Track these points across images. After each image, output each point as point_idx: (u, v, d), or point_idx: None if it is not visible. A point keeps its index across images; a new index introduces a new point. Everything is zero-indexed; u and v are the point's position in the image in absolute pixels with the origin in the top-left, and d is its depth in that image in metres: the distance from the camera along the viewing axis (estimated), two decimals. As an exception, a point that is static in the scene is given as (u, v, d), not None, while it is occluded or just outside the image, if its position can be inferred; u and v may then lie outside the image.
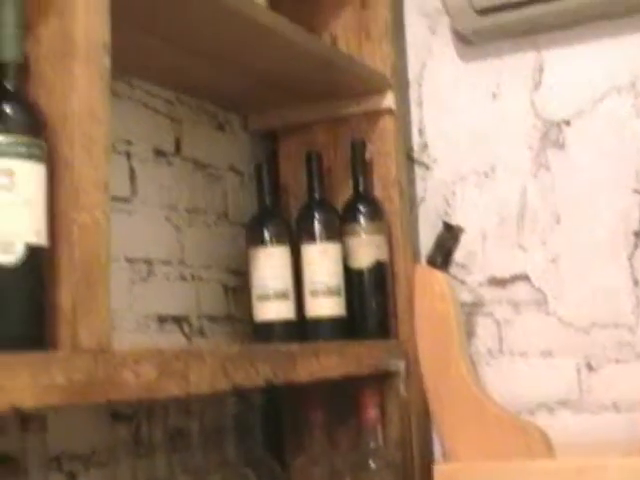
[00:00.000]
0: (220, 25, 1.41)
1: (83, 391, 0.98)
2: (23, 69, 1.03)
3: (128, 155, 1.54)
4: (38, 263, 0.99)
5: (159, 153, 1.64)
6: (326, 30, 1.88)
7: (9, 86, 1.01)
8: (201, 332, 1.69)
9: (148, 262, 1.57)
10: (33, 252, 0.98)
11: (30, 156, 0.98)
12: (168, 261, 1.62)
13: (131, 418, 1.45)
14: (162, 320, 1.60)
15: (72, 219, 1.01)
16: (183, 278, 1.66)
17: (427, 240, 1.92)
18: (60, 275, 1.01)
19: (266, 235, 1.67)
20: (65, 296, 1.00)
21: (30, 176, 0.98)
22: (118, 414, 1.43)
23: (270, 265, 1.65)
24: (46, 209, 1.00)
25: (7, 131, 0.98)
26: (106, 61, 1.06)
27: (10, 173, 0.97)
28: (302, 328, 1.68)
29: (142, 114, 1.60)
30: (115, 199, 1.40)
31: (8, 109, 1.00)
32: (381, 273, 1.75)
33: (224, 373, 1.20)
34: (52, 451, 1.32)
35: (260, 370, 1.29)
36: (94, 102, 1.04)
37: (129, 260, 1.51)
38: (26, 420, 1.21)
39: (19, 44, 1.02)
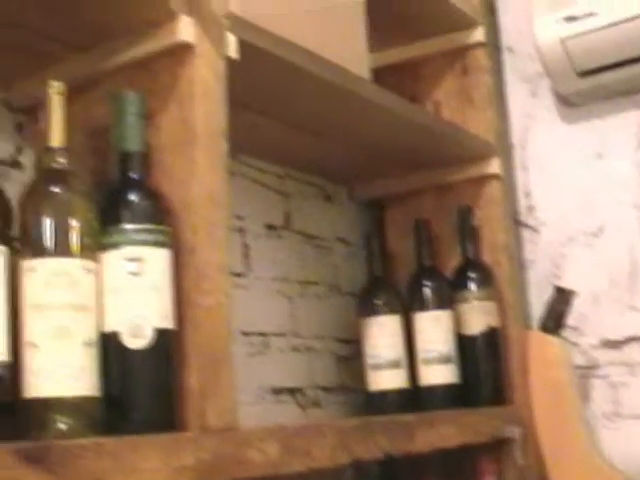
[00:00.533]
0: (326, 101, 1.43)
1: (211, 470, 0.99)
2: (146, 158, 1.07)
3: (241, 231, 1.58)
4: (166, 346, 1.02)
5: (270, 227, 1.67)
6: (429, 98, 1.89)
7: (133, 175, 1.06)
8: (315, 403, 1.70)
9: (263, 335, 1.59)
10: (161, 336, 1.01)
11: (156, 243, 1.02)
12: (282, 333, 1.64)
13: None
14: (277, 392, 1.61)
15: (196, 302, 1.03)
16: (296, 349, 1.67)
17: (537, 303, 1.90)
18: (187, 357, 1.03)
19: (377, 304, 1.68)
20: (192, 377, 1.02)
21: (157, 262, 1.02)
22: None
23: (382, 334, 1.66)
24: (172, 293, 1.02)
25: (134, 220, 1.02)
26: (224, 146, 1.10)
27: (139, 260, 1.00)
28: (416, 396, 1.68)
29: (253, 190, 1.63)
30: (231, 275, 1.43)
31: (134, 198, 1.04)
32: (493, 339, 1.74)
33: (344, 447, 1.21)
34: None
35: (379, 442, 1.29)
36: (214, 187, 1.07)
37: (245, 334, 1.54)
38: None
39: (142, 134, 1.06)
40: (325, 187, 1.83)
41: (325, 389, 1.72)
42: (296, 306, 1.69)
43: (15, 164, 1.24)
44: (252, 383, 1.54)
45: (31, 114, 1.24)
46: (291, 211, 1.72)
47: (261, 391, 1.57)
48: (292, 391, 1.64)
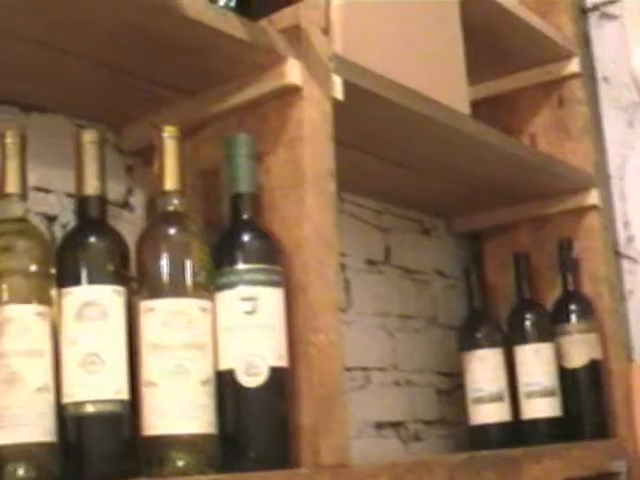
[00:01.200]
0: (427, 137, 1.44)
1: (326, 507, 1.00)
2: (257, 199, 1.09)
3: (342, 267, 1.59)
4: (280, 384, 1.03)
5: (370, 263, 1.67)
6: (524, 130, 1.89)
7: (245, 216, 1.07)
8: (417, 437, 1.70)
9: (365, 370, 1.60)
10: (276, 373, 1.02)
11: (270, 282, 1.04)
12: (383, 368, 1.64)
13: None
14: (379, 426, 1.61)
15: (309, 341, 1.04)
16: (397, 384, 1.67)
17: (638, 334, 1.87)
18: (300, 394, 1.04)
19: (478, 338, 1.68)
20: (306, 415, 1.03)
21: (270, 301, 1.03)
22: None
23: (484, 368, 1.65)
24: (285, 331, 1.04)
25: (248, 260, 1.04)
26: (332, 186, 1.11)
27: (253, 299, 1.02)
28: (518, 430, 1.66)
29: (353, 226, 1.65)
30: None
31: (247, 239, 1.06)
32: (596, 372, 1.71)
33: (453, 483, 1.20)
34: None
35: (486, 477, 1.28)
36: (324, 227, 1.08)
37: (348, 369, 1.54)
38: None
39: (253, 176, 1.08)
40: (423, 221, 1.84)
41: (426, 423, 1.72)
42: (396, 340, 1.69)
43: (125, 205, 1.28)
44: (354, 418, 1.54)
45: (141, 156, 1.28)
46: (390, 246, 1.73)
47: (363, 425, 1.57)
48: (394, 425, 1.64)
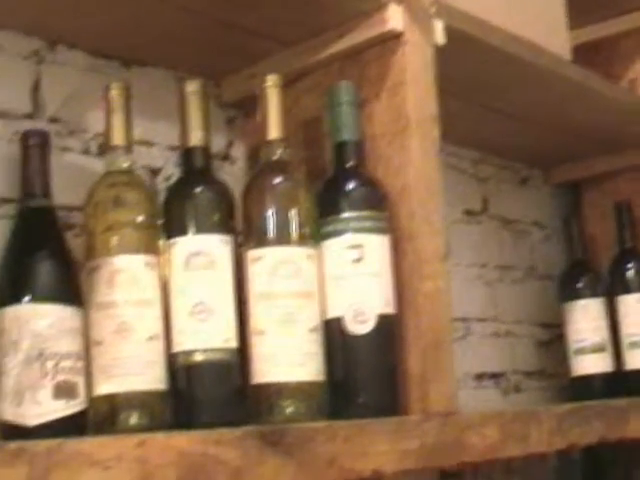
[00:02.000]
0: (527, 83, 1.41)
1: (434, 454, 0.99)
2: (361, 146, 1.07)
3: (441, 218, 1.56)
4: (388, 331, 1.02)
5: (468, 213, 1.65)
6: (624, 76, 1.83)
7: (350, 164, 1.06)
8: (516, 388, 1.67)
9: (464, 321, 1.58)
10: (383, 321, 1.01)
11: (376, 230, 1.02)
12: (483, 319, 1.62)
13: (458, 477, 1.45)
14: (479, 377, 1.60)
15: (416, 288, 1.03)
16: (497, 335, 1.65)
17: None
18: (408, 342, 1.03)
19: (580, 288, 1.65)
20: (414, 362, 1.02)
21: (377, 248, 1.02)
22: (446, 474, 1.43)
23: (585, 318, 1.62)
24: (392, 279, 1.03)
25: (353, 207, 1.02)
26: (436, 132, 1.09)
27: (360, 247, 1.01)
28: (621, 381, 1.63)
29: (450, 176, 1.62)
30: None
31: (352, 186, 1.04)
32: (700, 321, 1.67)
33: (560, 432, 1.18)
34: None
35: (594, 427, 1.25)
36: (428, 173, 1.07)
37: (448, 320, 1.53)
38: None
39: (356, 123, 1.07)
40: (521, 171, 1.80)
41: (526, 374, 1.70)
42: (495, 291, 1.67)
43: (226, 158, 1.27)
44: (456, 369, 1.52)
45: (241, 108, 1.27)
46: (488, 196, 1.70)
47: (463, 376, 1.55)
48: (494, 376, 1.62)
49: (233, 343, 0.96)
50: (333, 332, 1.01)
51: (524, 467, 1.53)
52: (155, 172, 1.18)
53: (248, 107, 1.22)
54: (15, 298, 0.90)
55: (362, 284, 1.01)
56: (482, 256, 1.65)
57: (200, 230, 0.97)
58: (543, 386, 1.73)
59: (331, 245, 1.02)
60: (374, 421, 0.93)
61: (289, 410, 0.96)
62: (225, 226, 0.99)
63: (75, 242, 1.01)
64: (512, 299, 1.70)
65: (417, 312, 1.02)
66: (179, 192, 1.01)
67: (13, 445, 0.66)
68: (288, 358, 0.96)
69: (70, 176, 1.07)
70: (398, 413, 1.01)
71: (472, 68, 1.30)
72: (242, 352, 0.98)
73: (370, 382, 1.00)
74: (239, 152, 1.28)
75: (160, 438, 0.75)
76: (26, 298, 0.91)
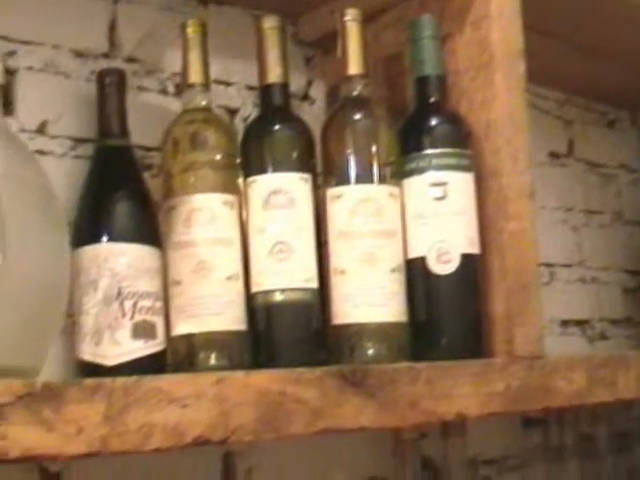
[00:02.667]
0: (614, 20, 1.34)
1: (519, 398, 0.96)
2: (443, 81, 1.04)
3: (525, 160, 1.52)
4: (472, 272, 0.99)
5: (553, 156, 1.60)
6: None
7: (432, 100, 1.03)
8: (602, 335, 1.63)
9: (549, 266, 1.53)
10: (467, 261, 0.98)
11: (460, 167, 0.99)
12: (568, 264, 1.58)
13: (542, 424, 1.42)
14: (564, 324, 1.55)
15: (501, 227, 0.99)
16: (583, 281, 1.61)
17: None
18: (492, 283, 1.00)
19: (670, 233, 1.58)
20: (499, 304, 0.99)
21: (461, 186, 0.99)
22: (530, 420, 1.40)
23: (675, 264, 1.57)
24: (476, 218, 0.99)
25: (436, 144, 0.99)
26: (522, 67, 1.04)
27: (443, 184, 0.98)
28: None
29: (535, 117, 1.56)
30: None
31: (435, 122, 1.01)
32: None
33: (649, 378, 1.14)
34: (468, 455, 1.32)
35: (684, 375, 1.20)
36: (514, 109, 1.02)
37: (532, 264, 1.48)
38: (447, 426, 1.22)
39: (439, 58, 1.03)
40: (607, 113, 1.74)
41: (612, 321, 1.65)
42: (581, 236, 1.62)
43: (305, 97, 1.24)
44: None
45: (319, 46, 1.24)
46: (573, 138, 1.64)
47: (549, 322, 1.51)
48: (579, 323, 1.58)
49: (313, 283, 0.94)
50: (415, 272, 0.98)
51: (610, 415, 1.49)
52: (233, 112, 1.15)
53: (326, 45, 1.19)
54: (93, 237, 0.90)
55: (445, 223, 0.98)
56: (567, 200, 1.60)
57: (279, 168, 0.95)
58: (629, 334, 1.68)
59: (413, 183, 0.99)
60: (457, 363, 0.90)
61: (370, 352, 0.94)
62: (304, 164, 0.96)
63: (153, 183, 1.00)
64: (598, 245, 1.64)
65: (502, 252, 0.99)
66: (258, 130, 0.98)
67: (90, 381, 0.65)
68: (369, 298, 0.94)
69: (147, 116, 1.05)
70: (482, 356, 0.98)
71: (558, 2, 1.24)
72: (322, 292, 0.96)
73: (453, 324, 0.98)
74: (318, 92, 1.25)
75: (239, 376, 0.73)
76: (104, 237, 0.90)
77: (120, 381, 0.67)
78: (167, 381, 0.70)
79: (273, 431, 0.74)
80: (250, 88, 1.16)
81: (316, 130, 1.00)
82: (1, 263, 0.67)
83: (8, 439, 0.60)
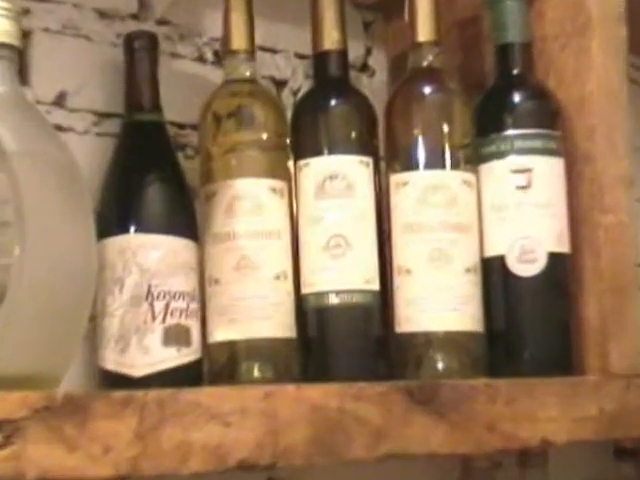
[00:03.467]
0: None
1: (614, 424, 0.95)
2: (530, 50, 1.04)
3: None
4: (561, 273, 0.99)
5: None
6: None
7: (516, 71, 1.03)
8: None
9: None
10: (555, 261, 0.98)
11: (547, 151, 0.99)
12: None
13: (636, 454, 1.41)
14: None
15: (596, 222, 0.99)
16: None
17: None
18: (584, 287, 1.00)
19: None
20: (591, 312, 0.99)
21: (548, 173, 0.99)
22: (623, 450, 1.39)
23: None
24: (566, 210, 0.99)
25: (520, 124, 0.99)
26: (623, 32, 1.04)
27: (527, 171, 0.98)
28: None
29: (633, 93, 1.54)
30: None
31: (518, 98, 1.01)
32: None
33: None
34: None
35: None
36: (612, 82, 1.02)
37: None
38: (527, 454, 1.21)
39: (525, 22, 1.03)
40: None
41: None
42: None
43: (364, 68, 1.25)
44: None
45: (380, 10, 1.25)
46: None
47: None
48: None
49: (374, 284, 0.95)
50: (493, 273, 0.98)
51: None
52: (280, 84, 1.16)
53: (389, 8, 1.20)
54: (120, 227, 0.91)
55: (529, 216, 0.98)
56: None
57: (336, 149, 0.96)
58: None
59: (492, 169, 0.99)
60: (543, 381, 0.90)
61: (440, 365, 0.94)
62: (365, 145, 0.97)
63: (188, 165, 1.01)
64: None
65: (596, 251, 0.99)
66: (311, 104, 0.99)
67: (120, 394, 0.66)
68: (439, 303, 0.94)
69: (182, 87, 1.06)
70: (572, 373, 0.98)
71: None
72: (384, 295, 0.96)
73: (538, 334, 0.98)
74: (379, 62, 1.25)
75: (290, 390, 0.73)
76: (132, 227, 0.91)
77: (154, 394, 0.67)
78: (207, 394, 0.70)
79: (329, 454, 0.74)
80: (300, 56, 1.16)
81: (377, 107, 1.01)
82: (18, 255, 0.68)
83: (23, 459, 0.61)
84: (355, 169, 0.95)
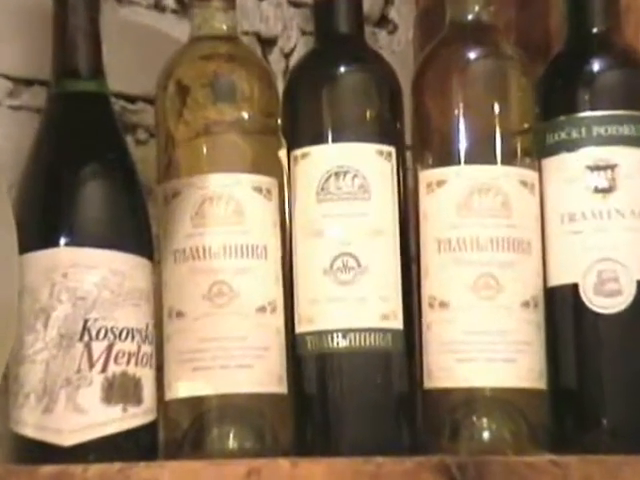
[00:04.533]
0: None
1: None
2: (614, 4, 1.05)
3: None
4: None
5: None
6: None
7: (595, 30, 1.04)
8: None
9: None
10: (643, 293, 0.99)
11: (637, 140, 1.00)
12: None
13: None
14: None
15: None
16: None
17: None
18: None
19: None
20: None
21: (638, 172, 1.00)
22: None
23: None
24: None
25: (599, 103, 1.01)
26: None
27: (609, 168, 0.99)
28: None
29: None
30: None
31: (598, 67, 1.03)
32: None
33: None
34: None
35: None
36: None
37: None
38: None
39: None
40: None
41: None
42: None
43: (383, 22, 1.26)
44: None
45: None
46: None
47: None
48: None
49: (396, 321, 0.96)
50: (562, 309, 1.00)
51: None
52: (268, 43, 1.17)
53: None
54: (45, 239, 0.91)
55: (613, 230, 0.99)
56: None
57: (345, 135, 0.97)
58: None
59: (561, 164, 1.00)
60: (628, 459, 0.91)
61: (487, 434, 0.95)
62: (386, 130, 0.98)
63: (141, 153, 1.02)
64: None
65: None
66: (311, 72, 1.00)
67: (49, 469, 0.66)
68: (486, 348, 0.95)
69: (133, 46, 1.07)
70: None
71: None
72: (410, 336, 0.98)
73: (622, 394, 0.99)
74: (402, 14, 1.26)
75: (283, 466, 0.75)
76: (63, 239, 0.91)
77: (96, 469, 0.68)
78: (170, 471, 0.71)
79: None
80: (295, 4, 1.18)
81: (401, 75, 1.02)
82: None
83: None
84: (371, 162, 0.97)
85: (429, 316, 0.97)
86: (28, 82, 1.03)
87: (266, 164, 0.97)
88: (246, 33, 1.14)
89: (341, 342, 0.95)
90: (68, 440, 0.88)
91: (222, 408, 0.94)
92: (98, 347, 0.90)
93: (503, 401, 0.96)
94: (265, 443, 0.93)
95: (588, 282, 0.99)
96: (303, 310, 0.96)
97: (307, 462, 0.76)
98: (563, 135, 1.00)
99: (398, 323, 0.96)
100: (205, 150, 0.96)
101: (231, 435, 0.93)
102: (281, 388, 0.95)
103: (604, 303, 0.99)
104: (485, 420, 0.96)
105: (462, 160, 0.98)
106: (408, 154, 1.01)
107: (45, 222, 0.93)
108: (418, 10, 1.25)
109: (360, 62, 1.00)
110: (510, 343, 0.96)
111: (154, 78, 0.99)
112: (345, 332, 0.95)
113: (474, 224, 0.96)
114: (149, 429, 0.93)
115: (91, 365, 0.90)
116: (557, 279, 1.00)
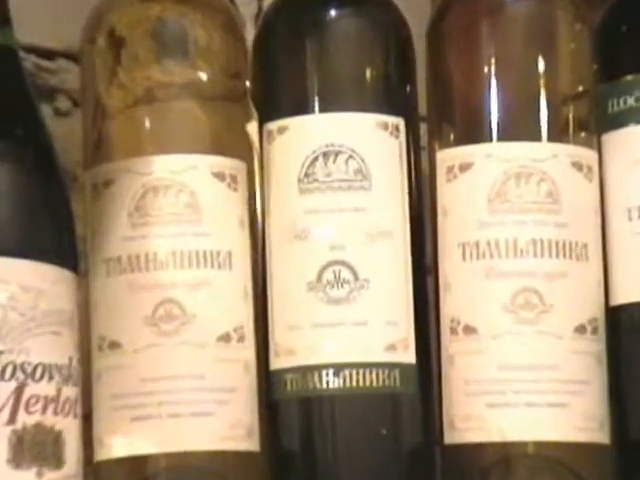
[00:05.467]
0: None
1: None
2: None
3: None
4: None
5: None
6: None
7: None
8: None
9: None
10: None
11: None
12: None
13: None
14: None
15: None
16: None
17: None
18: None
19: None
20: None
21: None
22: None
23: None
24: None
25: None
26: None
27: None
28: None
29: None
30: None
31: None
32: None
33: None
34: None
35: None
36: None
37: None
38: None
39: None
40: None
41: None
42: None
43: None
44: None
45: None
46: None
47: None
48: None
49: (407, 353, 0.96)
50: (630, 335, 1.00)
51: None
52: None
53: None
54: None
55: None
56: None
57: (337, 103, 0.98)
58: None
59: (628, 140, 1.01)
60: None
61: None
62: (391, 96, 0.99)
63: (61, 128, 1.02)
64: None
65: None
66: (290, 20, 1.01)
67: None
68: (529, 389, 0.96)
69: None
70: None
71: None
72: (425, 373, 0.98)
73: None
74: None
75: None
76: (-40, 247, 0.91)
77: None
78: None
79: None
80: None
81: (412, 23, 1.03)
82: None
83: None
84: (371, 139, 0.97)
85: (451, 346, 0.98)
86: None
87: (230, 142, 0.98)
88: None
89: (332, 382, 0.95)
90: (-35, 517, 0.88)
91: (172, 471, 0.94)
92: (4, 390, 0.89)
93: (551, 460, 0.96)
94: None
95: (666, 300, 0.99)
96: (281, 338, 0.97)
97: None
98: (631, 101, 1.01)
99: (409, 355, 0.97)
100: (148, 123, 0.96)
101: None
102: (251, 444, 0.95)
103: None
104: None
105: (494, 136, 0.98)
106: (422, 128, 1.01)
107: None
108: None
109: (357, 3, 1.00)
110: (560, 382, 0.96)
111: (79, 27, 0.99)
112: (338, 368, 0.95)
113: (510, 222, 0.97)
114: (72, 502, 0.93)
115: (-5, 414, 0.90)
116: (624, 296, 1.01)
